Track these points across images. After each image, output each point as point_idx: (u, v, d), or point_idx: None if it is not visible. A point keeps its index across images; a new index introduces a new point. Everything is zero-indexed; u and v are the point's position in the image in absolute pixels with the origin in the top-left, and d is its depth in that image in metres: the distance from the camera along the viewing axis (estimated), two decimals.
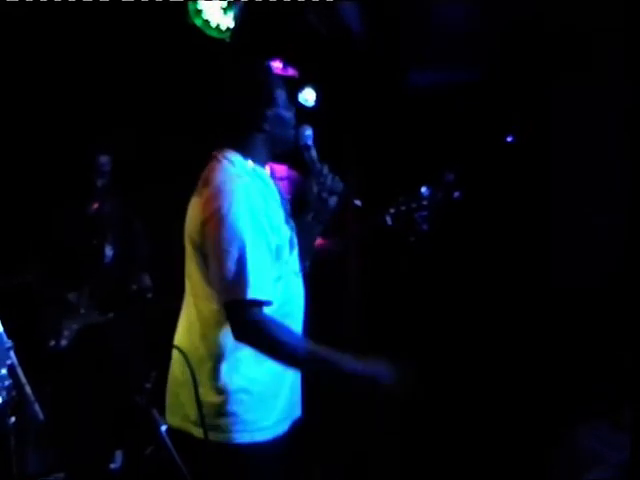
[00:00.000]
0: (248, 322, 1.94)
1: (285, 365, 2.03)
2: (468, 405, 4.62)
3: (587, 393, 3.97)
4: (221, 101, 2.14)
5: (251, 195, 1.99)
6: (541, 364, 4.61)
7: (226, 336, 2.02)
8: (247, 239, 1.93)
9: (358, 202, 2.38)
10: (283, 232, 2.09)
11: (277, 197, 2.16)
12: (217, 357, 2.03)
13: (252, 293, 1.91)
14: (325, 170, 2.22)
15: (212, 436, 2.00)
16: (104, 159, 3.44)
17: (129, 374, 3.07)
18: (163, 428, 2.51)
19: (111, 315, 3.44)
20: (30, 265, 3.35)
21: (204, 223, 1.97)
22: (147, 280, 3.50)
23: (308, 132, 2.23)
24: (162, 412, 2.62)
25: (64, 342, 3.35)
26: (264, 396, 2.08)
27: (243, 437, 2.03)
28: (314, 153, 2.23)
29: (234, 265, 1.92)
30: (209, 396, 2.01)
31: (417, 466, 4.16)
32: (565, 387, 4.22)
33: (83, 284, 3.41)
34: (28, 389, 2.20)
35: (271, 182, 2.19)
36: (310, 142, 2.23)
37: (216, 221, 1.93)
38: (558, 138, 5.16)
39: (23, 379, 2.20)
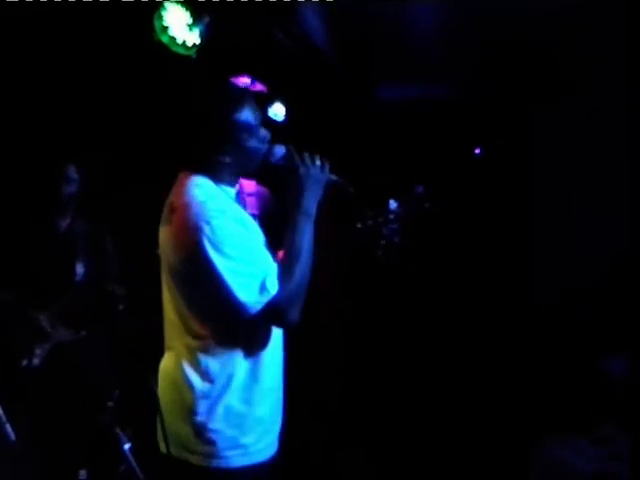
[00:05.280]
0: (282, 319, 1.99)
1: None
2: (445, 418, 4.62)
3: (562, 408, 3.98)
4: (188, 126, 2.09)
5: (225, 216, 1.95)
6: (517, 379, 4.62)
7: (216, 364, 2.00)
8: (230, 257, 1.90)
9: (351, 189, 2.30)
10: (267, 259, 2.02)
11: (252, 221, 2.12)
12: (211, 383, 2.00)
13: (257, 304, 1.92)
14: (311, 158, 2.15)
15: (212, 462, 1.99)
16: (71, 168, 3.43)
17: (95, 393, 3.06)
18: (126, 446, 2.49)
19: (83, 333, 3.43)
20: None
21: (188, 256, 1.94)
22: (120, 290, 3.48)
23: (280, 151, 2.16)
24: (125, 430, 2.59)
25: (36, 361, 3.33)
26: (257, 417, 2.06)
27: (242, 460, 2.02)
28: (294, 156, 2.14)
29: (238, 285, 1.90)
30: (202, 423, 1.99)
31: None
32: (540, 402, 4.22)
33: (54, 302, 3.39)
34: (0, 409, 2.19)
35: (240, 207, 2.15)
36: (282, 157, 2.16)
37: (201, 251, 1.89)
38: (539, 150, 5.20)
39: None
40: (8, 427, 2.23)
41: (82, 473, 2.74)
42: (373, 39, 4.35)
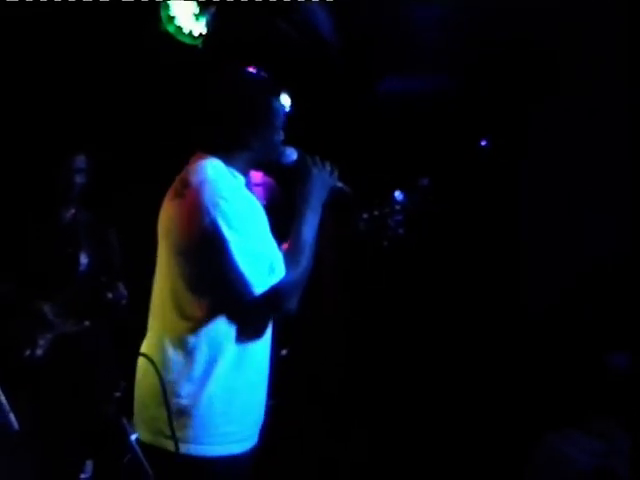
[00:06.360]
0: (282, 305, 2.00)
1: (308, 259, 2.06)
2: (445, 412, 4.62)
3: (563, 403, 3.98)
4: (211, 115, 2.10)
5: (237, 196, 1.96)
6: (518, 374, 4.62)
7: (202, 347, 1.97)
8: (242, 235, 1.90)
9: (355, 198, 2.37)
10: (274, 243, 2.03)
11: (260, 207, 2.10)
12: (195, 366, 1.97)
13: (263, 285, 1.93)
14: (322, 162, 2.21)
15: (190, 449, 1.96)
16: (80, 158, 3.40)
17: (101, 383, 3.02)
18: (133, 437, 2.45)
19: (87, 323, 3.38)
20: (1, 274, 3.28)
21: (200, 231, 1.92)
22: (122, 289, 3.45)
23: (292, 154, 2.18)
24: (132, 421, 2.56)
25: (39, 352, 3.28)
26: (240, 407, 2.04)
27: (222, 450, 1.99)
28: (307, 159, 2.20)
29: (247, 263, 1.91)
30: (182, 407, 1.96)
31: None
32: (541, 397, 4.23)
33: (57, 293, 3.35)
34: (3, 399, 2.16)
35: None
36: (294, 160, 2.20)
37: (216, 226, 1.89)
38: (539, 150, 5.23)
39: None
40: (12, 416, 2.20)
41: (88, 464, 2.69)
42: (375, 35, 4.37)
